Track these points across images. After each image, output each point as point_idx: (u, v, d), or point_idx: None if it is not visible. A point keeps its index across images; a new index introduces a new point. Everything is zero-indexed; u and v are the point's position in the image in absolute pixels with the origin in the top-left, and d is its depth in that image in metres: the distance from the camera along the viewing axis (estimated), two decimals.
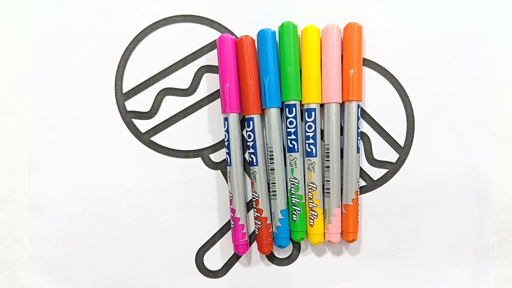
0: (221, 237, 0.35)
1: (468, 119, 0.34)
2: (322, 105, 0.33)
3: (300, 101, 0.33)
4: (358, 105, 0.33)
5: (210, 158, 0.35)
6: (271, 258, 0.35)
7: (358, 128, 0.33)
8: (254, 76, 0.33)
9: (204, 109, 0.35)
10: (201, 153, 0.35)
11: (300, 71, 0.33)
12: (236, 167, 0.33)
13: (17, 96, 0.35)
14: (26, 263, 0.35)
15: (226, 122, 0.33)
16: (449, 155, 0.34)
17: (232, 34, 0.35)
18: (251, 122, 0.33)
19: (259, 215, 0.33)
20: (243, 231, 0.33)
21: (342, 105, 0.34)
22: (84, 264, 0.35)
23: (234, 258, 0.35)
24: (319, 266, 0.35)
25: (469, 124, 0.34)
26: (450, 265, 0.35)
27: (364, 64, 0.34)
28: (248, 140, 0.33)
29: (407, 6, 0.34)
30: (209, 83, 0.35)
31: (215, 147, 0.35)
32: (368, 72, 0.35)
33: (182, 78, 0.35)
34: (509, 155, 0.34)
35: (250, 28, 0.34)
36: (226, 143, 0.33)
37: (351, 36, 0.33)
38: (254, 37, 0.33)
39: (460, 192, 0.34)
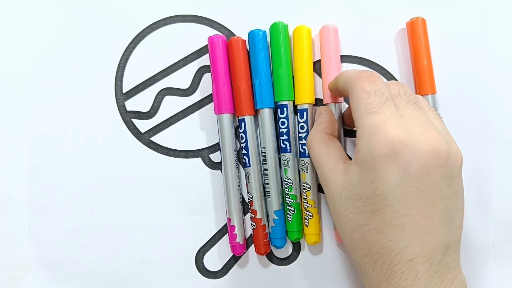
0: (221, 238, 0.35)
1: (468, 119, 0.34)
2: (315, 105, 0.34)
3: (293, 101, 0.33)
4: None
5: (210, 158, 0.35)
6: (271, 258, 0.35)
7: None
8: (246, 77, 0.33)
9: (204, 109, 0.35)
10: (201, 153, 0.35)
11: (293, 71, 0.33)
12: (230, 167, 0.33)
13: (17, 96, 0.35)
14: (26, 263, 0.35)
15: (218, 122, 0.33)
16: None
17: (233, 34, 0.35)
18: (242, 123, 0.33)
19: (253, 216, 0.33)
20: (235, 232, 0.33)
21: (340, 105, 0.34)
22: (84, 264, 0.35)
23: (234, 259, 0.35)
24: (319, 266, 0.35)
25: (469, 124, 0.34)
26: None
27: (363, 64, 0.34)
28: (241, 141, 0.33)
29: (405, 6, 0.34)
30: (209, 83, 0.35)
31: (215, 147, 0.35)
32: None
33: (182, 78, 0.35)
34: (509, 155, 0.34)
35: (250, 28, 0.34)
36: (220, 144, 0.33)
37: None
38: None
39: None
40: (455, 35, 0.34)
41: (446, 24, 0.34)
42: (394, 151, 0.24)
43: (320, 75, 0.34)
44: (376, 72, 0.27)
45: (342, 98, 0.33)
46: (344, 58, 0.35)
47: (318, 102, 0.34)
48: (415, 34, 0.33)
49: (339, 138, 0.32)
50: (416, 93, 0.33)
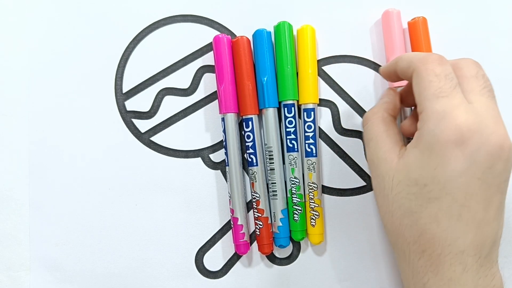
0: (221, 238, 0.35)
1: None
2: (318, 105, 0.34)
3: (297, 101, 0.33)
4: None
5: (210, 158, 0.35)
6: (271, 258, 0.35)
7: None
8: (251, 77, 0.33)
9: (204, 109, 0.35)
10: (201, 153, 0.35)
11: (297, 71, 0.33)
12: (234, 167, 0.33)
13: (17, 96, 0.35)
14: (26, 263, 0.35)
15: (223, 122, 0.33)
16: None
17: (233, 34, 0.35)
18: (249, 123, 0.33)
19: (260, 215, 0.33)
20: (242, 231, 0.33)
21: None
22: (84, 264, 0.35)
23: (234, 259, 0.35)
24: (319, 266, 0.35)
25: None
26: None
27: (363, 64, 0.34)
28: (247, 140, 0.33)
29: (405, 6, 0.34)
30: (209, 83, 0.35)
31: (215, 147, 0.35)
32: (368, 72, 0.35)
33: (182, 78, 0.35)
34: None
35: (250, 28, 0.34)
36: (224, 143, 0.33)
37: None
38: None
39: None
40: (454, 35, 0.34)
41: (445, 24, 0.34)
42: (462, 139, 0.23)
43: (320, 75, 0.35)
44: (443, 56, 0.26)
45: (397, 83, 0.33)
46: (344, 58, 0.35)
47: (321, 101, 0.34)
48: (417, 34, 0.33)
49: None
50: None
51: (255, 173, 0.33)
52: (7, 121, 0.35)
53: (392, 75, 0.29)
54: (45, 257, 0.35)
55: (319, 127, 0.34)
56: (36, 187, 0.35)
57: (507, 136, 0.24)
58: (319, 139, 0.34)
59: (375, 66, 0.34)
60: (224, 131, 0.33)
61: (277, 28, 0.33)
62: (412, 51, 0.33)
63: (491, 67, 0.34)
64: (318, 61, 0.35)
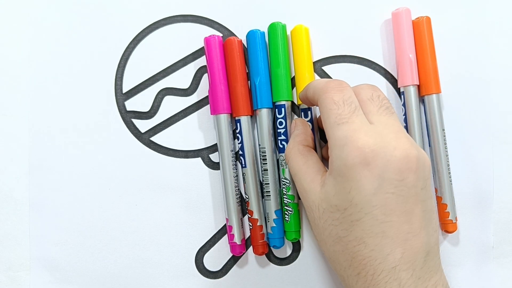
0: (221, 238, 0.35)
1: (468, 119, 0.34)
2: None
3: (292, 102, 0.33)
4: None
5: (210, 158, 0.35)
6: (271, 258, 0.35)
7: None
8: (243, 78, 0.33)
9: (204, 109, 0.35)
10: (201, 153, 0.35)
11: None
12: (228, 168, 0.33)
13: (17, 96, 0.35)
14: (26, 263, 0.35)
15: (215, 123, 0.33)
16: (449, 155, 0.34)
17: (232, 34, 0.35)
18: (238, 124, 0.33)
19: (250, 216, 0.33)
20: (232, 232, 0.33)
21: None
22: (84, 264, 0.35)
23: (234, 259, 0.35)
24: (319, 266, 0.35)
25: (469, 124, 0.34)
26: (450, 265, 0.34)
27: (364, 64, 0.34)
28: (237, 141, 0.33)
29: (404, 6, 0.34)
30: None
31: (215, 147, 0.35)
32: (368, 72, 0.35)
33: (182, 78, 0.35)
34: (509, 155, 0.34)
35: (250, 28, 0.34)
36: (218, 144, 0.33)
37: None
38: None
39: (460, 192, 0.34)
40: (454, 35, 0.34)
41: (445, 24, 0.34)
42: (367, 160, 0.24)
43: (320, 75, 0.35)
44: (344, 81, 0.27)
45: None
46: (344, 58, 0.35)
47: None
48: (421, 33, 0.33)
49: (315, 148, 0.32)
50: (421, 94, 0.33)
51: (244, 174, 0.33)
52: (7, 121, 0.35)
53: (306, 102, 0.30)
54: (45, 257, 0.35)
55: (317, 127, 0.34)
56: (36, 187, 0.35)
57: (411, 147, 0.25)
58: (320, 139, 0.34)
59: (375, 66, 0.34)
60: (216, 132, 0.33)
61: (270, 28, 0.33)
62: (416, 50, 0.33)
63: (491, 67, 0.34)
64: (318, 61, 0.35)
